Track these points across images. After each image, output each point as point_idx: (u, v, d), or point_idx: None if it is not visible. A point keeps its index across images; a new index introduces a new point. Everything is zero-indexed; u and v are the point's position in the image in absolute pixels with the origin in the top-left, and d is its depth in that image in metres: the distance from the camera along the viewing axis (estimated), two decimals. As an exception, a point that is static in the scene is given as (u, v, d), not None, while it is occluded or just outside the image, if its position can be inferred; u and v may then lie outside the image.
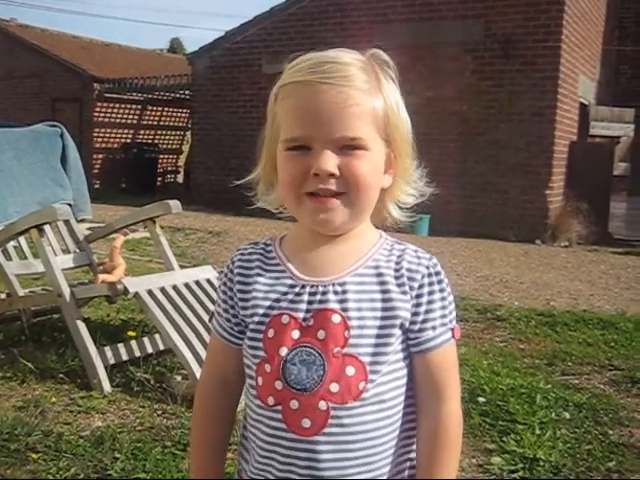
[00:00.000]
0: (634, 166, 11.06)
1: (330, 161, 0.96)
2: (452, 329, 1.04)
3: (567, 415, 3.00)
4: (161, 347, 3.49)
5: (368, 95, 0.99)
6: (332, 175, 0.97)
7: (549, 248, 9.17)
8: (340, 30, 10.70)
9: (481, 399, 3.10)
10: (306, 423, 0.97)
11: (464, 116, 10.03)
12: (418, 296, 1.01)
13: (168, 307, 3.21)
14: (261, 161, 1.09)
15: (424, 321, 1.01)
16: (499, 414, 2.96)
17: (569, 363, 3.82)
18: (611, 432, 2.86)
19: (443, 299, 1.03)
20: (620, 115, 11.18)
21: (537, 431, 2.79)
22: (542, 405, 3.07)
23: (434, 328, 1.02)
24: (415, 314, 1.01)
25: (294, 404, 0.97)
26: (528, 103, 9.70)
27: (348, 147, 0.98)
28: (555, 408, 3.06)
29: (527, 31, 9.68)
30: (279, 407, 0.98)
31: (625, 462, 2.60)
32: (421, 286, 1.01)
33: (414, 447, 1.04)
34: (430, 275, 1.02)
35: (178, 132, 18.23)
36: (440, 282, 1.03)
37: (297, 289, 1.01)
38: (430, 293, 1.02)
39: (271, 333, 1.00)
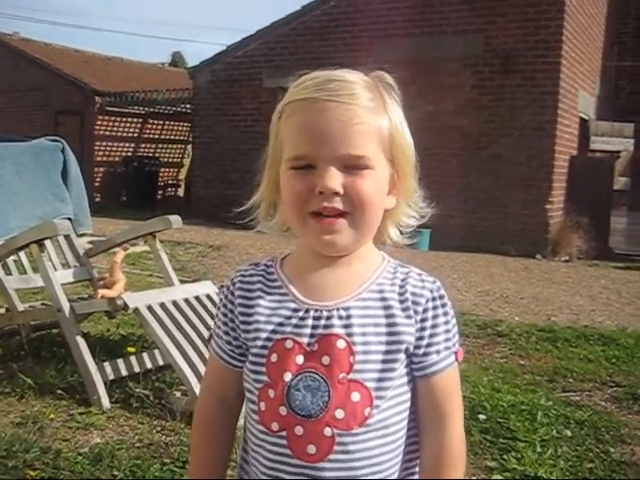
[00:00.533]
0: (634, 180, 11.07)
1: (335, 179, 0.96)
2: (455, 352, 1.03)
3: (568, 433, 2.98)
4: (160, 363, 3.48)
5: (374, 114, 0.99)
6: (337, 194, 0.96)
7: (549, 263, 9.16)
8: (341, 45, 10.76)
9: (482, 416, 3.08)
10: (311, 449, 0.96)
11: (465, 131, 10.06)
12: (422, 320, 1.00)
13: (168, 323, 3.20)
14: (263, 181, 1.08)
15: (428, 345, 1.01)
16: (500, 431, 2.94)
17: (570, 379, 3.81)
18: (613, 450, 2.85)
19: (447, 322, 1.02)
20: (620, 130, 11.21)
21: (538, 449, 2.77)
22: (543, 422, 3.06)
23: (438, 352, 1.01)
24: (420, 338, 1.00)
25: (299, 430, 0.96)
26: (528, 118, 9.73)
27: (353, 166, 0.97)
28: (556, 425, 3.04)
29: (527, 46, 9.72)
30: (283, 433, 0.97)
31: (627, 481, 2.58)
32: (425, 310, 1.01)
33: (416, 469, 1.04)
34: (434, 299, 1.02)
35: (179, 145, 18.27)
36: (444, 305, 1.03)
37: (301, 313, 1.00)
38: (434, 317, 1.01)
39: (274, 358, 0.99)
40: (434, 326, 1.01)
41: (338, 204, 0.97)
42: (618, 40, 13.34)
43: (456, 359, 1.04)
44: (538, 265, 8.87)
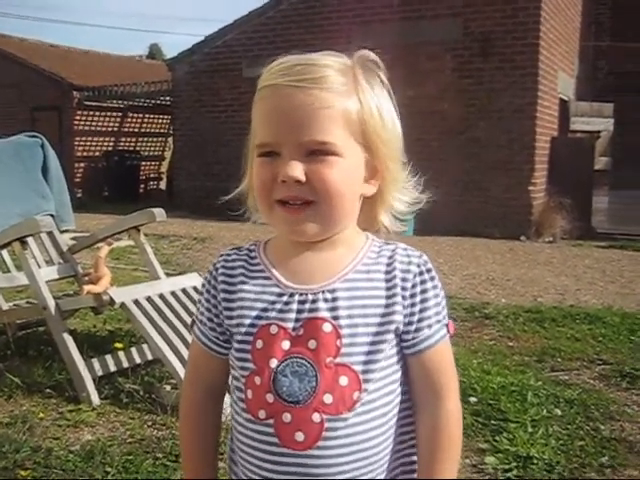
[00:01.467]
0: (614, 160, 11.15)
1: (297, 167, 0.93)
2: (446, 325, 1.02)
3: (558, 412, 3.00)
4: (149, 357, 3.46)
5: (340, 97, 0.95)
6: (299, 182, 0.94)
7: (534, 244, 9.22)
8: (319, 32, 10.70)
9: (472, 399, 3.09)
10: (299, 437, 0.94)
11: (445, 115, 10.06)
12: (412, 296, 0.99)
13: (155, 316, 3.18)
14: (247, 171, 1.06)
15: (420, 320, 0.99)
16: (491, 413, 2.96)
17: (558, 359, 3.83)
18: (603, 427, 2.87)
19: (436, 296, 1.01)
20: (599, 110, 11.27)
21: (529, 429, 2.79)
22: (533, 402, 3.08)
23: (430, 326, 1.00)
24: (410, 314, 0.99)
25: (286, 417, 0.95)
26: (508, 100, 9.74)
27: (317, 152, 0.94)
28: (546, 405, 3.07)
29: (506, 29, 9.72)
30: (271, 421, 0.96)
31: (617, 457, 2.61)
32: (414, 285, 0.99)
33: (408, 450, 1.03)
34: (422, 273, 1.00)
35: (160, 139, 18.14)
36: (432, 279, 1.01)
37: (285, 298, 0.98)
38: (423, 292, 1.00)
39: (260, 344, 0.97)
40: (424, 300, 1.00)
41: (302, 193, 0.94)
42: (595, 20, 13.39)
43: (448, 331, 1.02)
44: (522, 247, 8.92)
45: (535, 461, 2.53)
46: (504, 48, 9.74)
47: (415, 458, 1.03)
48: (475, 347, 4.08)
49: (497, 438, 2.73)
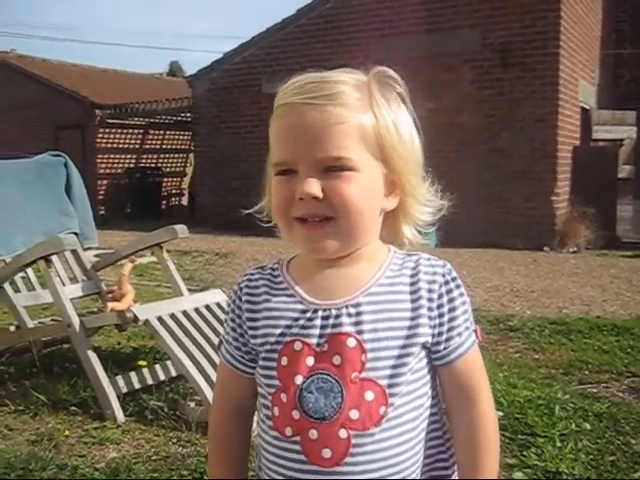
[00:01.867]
0: (638, 168, 11.02)
1: (313, 184, 0.93)
2: (475, 330, 1.02)
3: (587, 426, 2.95)
4: (173, 374, 3.47)
5: (354, 111, 0.95)
6: (317, 199, 0.93)
7: (557, 255, 9.12)
8: (338, 47, 10.74)
9: (499, 413, 3.05)
10: (326, 453, 0.93)
11: (465, 126, 10.03)
12: (440, 306, 0.99)
13: (179, 333, 3.18)
14: (267, 189, 1.06)
15: (450, 329, 0.99)
16: (518, 427, 2.91)
17: (586, 372, 3.77)
18: (634, 442, 2.81)
19: (464, 303, 1.01)
20: (622, 118, 11.17)
21: (558, 443, 2.74)
22: (561, 416, 3.03)
23: (460, 335, 1.00)
24: (440, 325, 0.98)
25: (313, 434, 0.94)
26: (529, 110, 9.69)
27: (333, 168, 0.94)
28: (575, 419, 3.01)
29: (524, 39, 9.69)
30: (297, 438, 0.95)
31: (650, 472, 2.55)
32: (440, 296, 0.99)
33: (438, 458, 1.02)
34: (447, 282, 1.00)
35: (181, 155, 18.29)
36: (458, 287, 1.01)
37: (309, 314, 0.98)
38: (450, 300, 0.99)
39: (284, 361, 0.97)
40: (452, 309, 0.99)
41: (320, 209, 0.94)
42: (616, 28, 13.29)
43: (476, 337, 1.02)
44: (546, 257, 8.83)
45: (565, 477, 2.48)
46: (524, 58, 9.70)
47: (445, 464, 1.02)
48: (500, 360, 4.03)
49: (525, 453, 2.68)
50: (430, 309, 0.98)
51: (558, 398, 3.24)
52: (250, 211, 1.11)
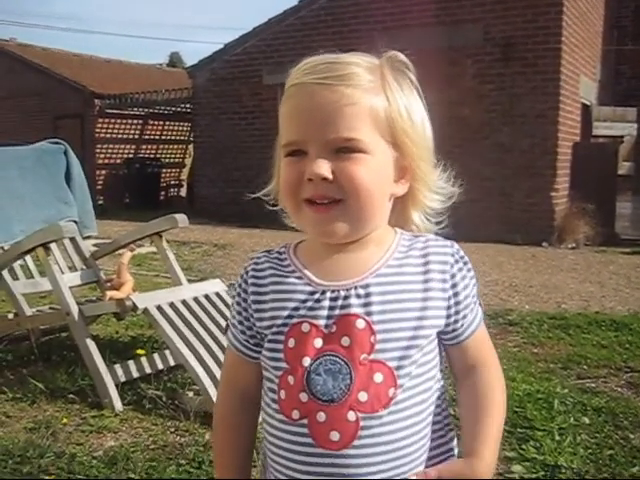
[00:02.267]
0: (638, 165, 11.01)
1: (323, 165, 0.92)
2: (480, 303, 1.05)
3: (586, 420, 2.95)
4: (172, 363, 3.46)
5: (366, 93, 0.94)
6: (326, 180, 0.92)
7: (556, 250, 9.12)
8: (339, 39, 10.70)
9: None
10: (335, 436, 0.92)
11: (467, 120, 10.00)
12: (454, 286, 0.99)
13: (178, 322, 3.17)
14: (275, 172, 1.05)
15: (464, 308, 1.00)
16: (517, 421, 2.91)
17: (584, 366, 3.77)
18: (632, 436, 2.81)
19: (472, 278, 1.02)
20: (622, 115, 11.14)
21: (557, 437, 2.74)
22: (560, 410, 3.03)
23: (472, 311, 1.02)
24: (456, 304, 0.99)
25: (321, 416, 0.92)
26: (530, 105, 9.67)
27: (344, 149, 0.93)
28: (574, 413, 3.01)
29: (526, 33, 9.65)
30: (305, 421, 0.93)
31: (648, 467, 2.55)
32: (453, 276, 0.99)
33: (446, 446, 1.02)
34: (457, 261, 1.00)
35: (180, 146, 18.25)
36: (466, 264, 1.02)
37: (317, 295, 0.97)
38: (463, 278, 1.00)
39: (292, 343, 0.96)
40: (465, 287, 1.00)
41: (329, 191, 0.93)
42: (617, 24, 13.25)
43: (481, 306, 1.05)
44: (545, 253, 8.83)
45: (563, 470, 2.48)
46: (525, 52, 9.67)
47: (450, 440, 1.03)
48: (499, 354, 3.97)
49: (524, 446, 2.67)
50: (444, 290, 0.98)
51: (557, 392, 3.24)
52: (257, 195, 1.10)
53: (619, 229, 10.06)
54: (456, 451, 1.04)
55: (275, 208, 1.07)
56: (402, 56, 1.01)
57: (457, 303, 0.99)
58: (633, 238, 9.72)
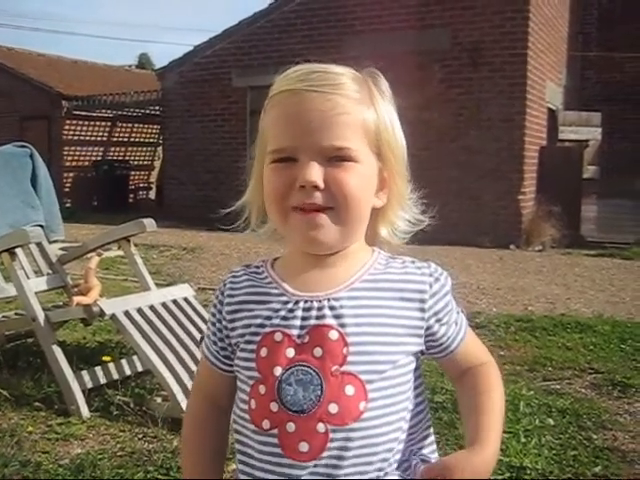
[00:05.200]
0: (602, 169, 11.21)
1: (316, 172, 0.92)
2: (463, 311, 1.07)
3: (551, 421, 3.00)
4: (139, 369, 3.43)
5: (358, 104, 0.96)
6: (318, 187, 0.93)
7: (523, 253, 9.24)
8: (309, 42, 10.73)
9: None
10: (303, 447, 0.92)
11: (434, 124, 10.09)
12: (434, 304, 1.00)
13: (146, 328, 3.15)
14: (250, 182, 1.04)
15: (448, 322, 1.02)
16: (483, 423, 2.94)
17: (550, 368, 3.83)
18: (595, 437, 2.87)
19: (447, 293, 1.03)
20: (588, 119, 11.35)
21: (522, 439, 2.78)
22: (526, 412, 3.07)
23: (456, 322, 1.03)
24: (438, 321, 1.01)
25: (290, 427, 0.92)
26: (497, 109, 9.80)
27: (336, 158, 0.93)
28: (539, 415, 3.06)
29: (494, 39, 9.79)
30: (275, 431, 0.93)
31: (611, 466, 2.60)
32: (433, 295, 1.00)
33: (418, 439, 1.02)
34: (436, 281, 1.01)
35: (149, 148, 18.10)
36: (443, 278, 1.02)
37: (290, 305, 0.97)
38: (445, 295, 1.01)
39: (264, 352, 0.96)
40: (446, 304, 1.02)
41: (319, 199, 0.93)
42: (582, 31, 13.50)
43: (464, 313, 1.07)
44: (512, 255, 8.94)
45: (528, 471, 2.52)
46: (493, 58, 9.81)
47: (424, 442, 1.03)
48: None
49: (490, 448, 2.71)
50: (422, 310, 0.99)
51: (523, 394, 3.29)
52: (230, 210, 1.09)
53: (585, 231, 10.24)
54: (434, 452, 1.05)
55: (230, 227, 1.08)
56: (380, 76, 1.03)
57: (439, 320, 1.00)
58: (598, 240, 9.90)
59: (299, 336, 0.95)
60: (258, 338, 0.97)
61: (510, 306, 5.63)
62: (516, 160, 9.77)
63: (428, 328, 1.00)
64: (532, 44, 9.80)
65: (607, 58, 12.71)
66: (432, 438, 1.05)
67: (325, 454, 0.92)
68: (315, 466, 0.92)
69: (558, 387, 3.53)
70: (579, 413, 3.11)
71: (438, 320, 1.00)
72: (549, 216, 9.37)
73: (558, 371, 3.79)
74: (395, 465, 0.97)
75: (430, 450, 1.04)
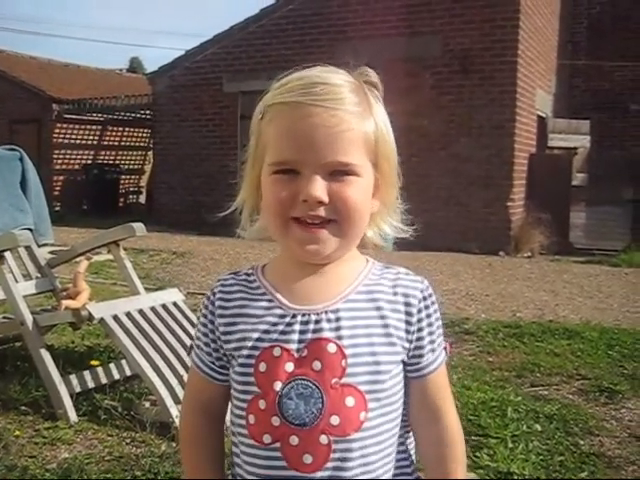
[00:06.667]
0: (591, 176, 11.29)
1: (320, 188, 0.93)
2: (444, 347, 1.05)
3: (538, 427, 3.01)
4: (128, 373, 3.42)
5: (360, 119, 0.97)
6: (321, 202, 0.94)
7: (512, 259, 9.29)
8: (300, 48, 10.75)
9: (453, 414, 3.09)
10: (307, 459, 0.93)
11: (425, 131, 10.13)
12: (419, 321, 1.01)
13: (135, 332, 3.15)
14: (243, 184, 1.05)
15: (426, 345, 1.02)
16: (471, 429, 2.96)
17: (538, 374, 3.85)
18: (582, 442, 2.89)
19: (437, 319, 1.04)
20: (577, 127, 11.42)
21: (510, 444, 2.80)
22: (513, 418, 3.09)
23: (433, 351, 1.03)
24: (418, 339, 1.01)
25: (294, 440, 0.94)
26: (487, 117, 9.85)
27: (338, 172, 0.95)
28: (526, 420, 3.08)
29: (484, 46, 9.85)
30: (277, 444, 0.95)
31: (597, 472, 2.62)
32: (419, 311, 1.01)
33: (405, 462, 1.04)
34: (425, 298, 1.02)
35: (140, 152, 18.06)
36: (434, 303, 1.04)
37: (287, 319, 0.98)
38: (428, 316, 1.02)
39: (263, 367, 0.96)
40: (429, 325, 1.02)
41: (322, 213, 0.94)
42: (572, 39, 13.60)
43: (446, 353, 1.05)
44: (501, 262, 8.98)
45: (515, 477, 2.53)
46: (483, 65, 9.87)
47: (406, 462, 1.04)
48: (455, 362, 4.08)
49: (477, 454, 2.72)
50: (408, 322, 1.00)
51: (510, 400, 3.31)
52: (227, 213, 1.09)
53: (573, 239, 10.30)
54: (413, 452, 1.07)
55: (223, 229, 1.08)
56: (372, 73, 1.03)
57: (420, 338, 1.01)
58: (586, 247, 9.97)
59: (298, 350, 0.96)
60: (257, 353, 0.97)
61: (498, 312, 5.66)
62: (506, 167, 9.82)
63: (410, 341, 1.01)
64: (522, 52, 9.87)
65: (596, 67, 12.81)
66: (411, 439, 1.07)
67: (329, 464, 0.94)
68: (318, 478, 0.94)
69: (546, 393, 3.55)
70: (566, 419, 3.13)
71: (420, 338, 1.01)
72: (538, 223, 9.43)
73: (546, 377, 3.81)
74: (394, 469, 1.00)
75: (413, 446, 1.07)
